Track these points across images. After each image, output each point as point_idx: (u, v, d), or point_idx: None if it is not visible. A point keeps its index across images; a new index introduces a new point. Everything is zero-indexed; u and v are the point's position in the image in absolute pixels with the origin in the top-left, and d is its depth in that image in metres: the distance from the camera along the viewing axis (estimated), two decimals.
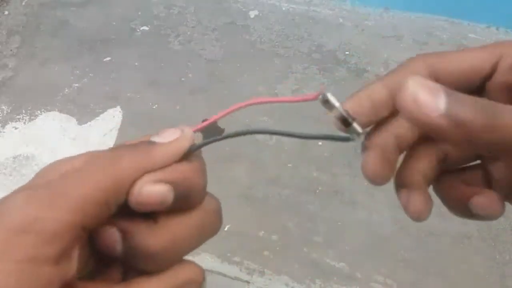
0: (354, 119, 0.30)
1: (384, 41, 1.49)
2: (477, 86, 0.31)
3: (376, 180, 0.31)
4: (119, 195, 0.27)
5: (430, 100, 0.25)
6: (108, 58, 1.59)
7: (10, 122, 1.48)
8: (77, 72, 1.57)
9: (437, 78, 0.30)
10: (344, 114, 0.30)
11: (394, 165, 0.32)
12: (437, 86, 0.26)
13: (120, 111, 1.46)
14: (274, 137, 1.31)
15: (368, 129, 0.31)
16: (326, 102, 0.30)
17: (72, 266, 0.26)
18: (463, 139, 0.26)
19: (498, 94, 0.31)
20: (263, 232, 1.15)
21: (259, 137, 1.33)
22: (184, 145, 0.29)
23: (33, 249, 0.24)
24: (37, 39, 1.69)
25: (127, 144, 0.29)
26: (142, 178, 0.27)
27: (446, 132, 0.26)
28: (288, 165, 1.29)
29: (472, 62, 0.30)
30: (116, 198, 0.27)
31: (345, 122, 0.30)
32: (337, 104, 0.29)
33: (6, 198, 0.25)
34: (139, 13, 1.70)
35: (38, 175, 0.31)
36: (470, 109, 0.26)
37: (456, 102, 0.26)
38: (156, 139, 0.29)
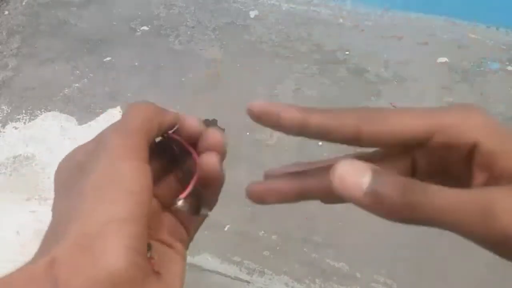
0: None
1: (384, 41, 1.49)
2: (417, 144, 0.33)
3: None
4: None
5: (354, 181, 0.30)
6: (108, 58, 1.59)
7: (10, 122, 1.48)
8: (77, 72, 1.57)
9: (374, 140, 0.33)
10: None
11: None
12: (364, 166, 0.30)
13: (120, 111, 1.46)
14: (275, 137, 1.31)
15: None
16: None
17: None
18: (383, 214, 0.30)
19: (425, 159, 0.34)
20: (263, 232, 1.15)
21: (259, 137, 1.33)
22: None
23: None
24: (37, 39, 1.69)
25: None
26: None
27: (368, 208, 0.30)
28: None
29: (407, 132, 0.32)
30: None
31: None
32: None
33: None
34: (139, 13, 1.70)
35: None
36: (390, 189, 0.29)
37: (378, 182, 0.30)
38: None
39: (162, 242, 0.38)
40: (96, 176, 0.32)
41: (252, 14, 1.62)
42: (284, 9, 1.62)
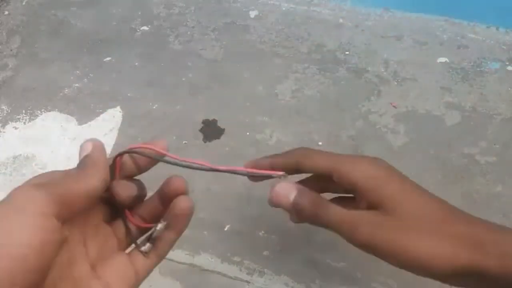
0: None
1: (384, 41, 1.49)
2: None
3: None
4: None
5: (284, 196, 0.54)
6: (108, 58, 1.59)
7: (10, 122, 1.48)
8: (77, 72, 1.57)
9: (300, 165, 0.61)
10: None
11: None
12: (292, 186, 0.56)
13: (120, 111, 1.46)
14: (274, 137, 1.31)
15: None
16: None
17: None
18: (302, 219, 0.56)
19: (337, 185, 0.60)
20: (263, 232, 1.15)
21: (259, 137, 1.33)
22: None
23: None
24: (37, 39, 1.69)
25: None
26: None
27: (292, 214, 0.56)
28: None
29: (318, 167, 0.58)
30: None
31: None
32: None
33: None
34: (139, 13, 1.70)
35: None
36: (306, 203, 0.54)
37: (300, 197, 0.55)
38: (83, 153, 0.47)
39: (103, 282, 0.38)
40: None
41: (252, 14, 1.62)
42: (284, 9, 1.62)
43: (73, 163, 1.39)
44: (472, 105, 1.34)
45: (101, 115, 1.46)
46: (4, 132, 1.46)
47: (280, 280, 1.08)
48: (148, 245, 0.40)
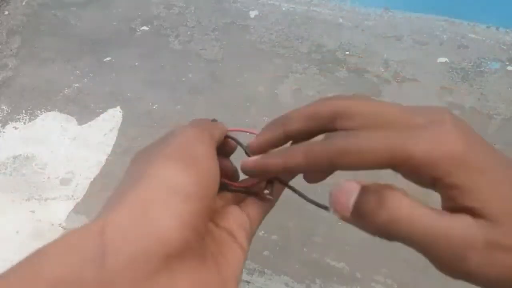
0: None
1: (384, 41, 1.49)
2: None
3: None
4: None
5: (344, 199, 0.33)
6: (108, 58, 1.59)
7: (10, 122, 1.48)
8: (77, 72, 1.57)
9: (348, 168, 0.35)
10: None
11: None
12: (353, 186, 0.33)
13: (120, 111, 1.46)
14: None
15: None
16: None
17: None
18: (373, 232, 0.34)
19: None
20: (263, 232, 1.15)
21: None
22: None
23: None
24: (37, 39, 1.69)
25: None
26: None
27: (358, 224, 0.35)
28: None
29: (373, 163, 0.33)
30: None
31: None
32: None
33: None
34: (139, 13, 1.70)
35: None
36: (372, 207, 0.32)
37: (362, 197, 0.33)
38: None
39: (226, 230, 0.37)
40: (170, 149, 0.32)
41: (252, 14, 1.62)
42: (284, 9, 1.62)
43: (73, 163, 1.40)
44: (472, 105, 1.34)
45: (101, 115, 1.46)
46: (4, 132, 1.46)
47: (280, 280, 1.08)
48: (268, 189, 0.42)
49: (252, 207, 0.43)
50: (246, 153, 0.43)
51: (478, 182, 0.30)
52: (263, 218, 0.45)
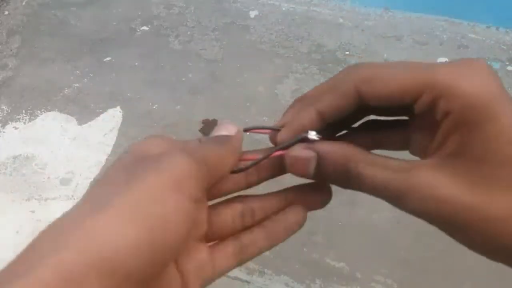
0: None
1: (384, 41, 1.49)
2: (406, 105, 0.32)
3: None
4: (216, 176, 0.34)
5: (303, 159, 0.34)
6: (108, 58, 1.59)
7: (10, 122, 1.48)
8: (77, 72, 1.57)
9: (364, 97, 0.33)
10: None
11: None
12: (310, 147, 0.34)
13: (120, 111, 1.46)
14: None
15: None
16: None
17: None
18: (333, 181, 0.35)
19: (422, 117, 0.32)
20: None
21: (259, 137, 1.33)
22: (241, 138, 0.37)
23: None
24: (37, 39, 1.69)
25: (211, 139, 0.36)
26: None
27: (318, 177, 0.34)
28: None
29: (398, 87, 0.31)
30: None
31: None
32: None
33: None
34: (139, 13, 1.70)
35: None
36: (333, 157, 0.34)
37: (323, 152, 0.34)
38: (224, 131, 0.37)
39: (181, 273, 0.34)
40: (128, 198, 0.28)
41: (252, 14, 1.62)
42: (284, 9, 1.62)
43: (73, 163, 1.40)
44: None
45: (101, 115, 1.47)
46: (4, 132, 1.46)
47: (280, 280, 1.07)
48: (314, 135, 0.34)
49: (223, 259, 0.38)
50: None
51: (503, 126, 0.27)
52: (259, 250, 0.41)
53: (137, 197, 0.28)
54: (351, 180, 0.32)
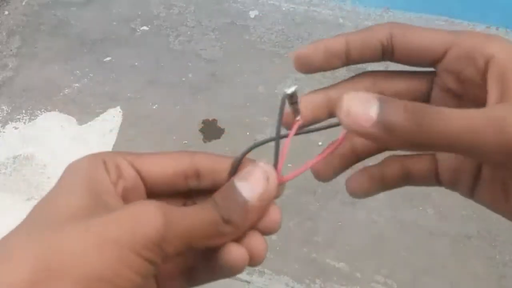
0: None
1: None
2: (430, 64, 0.34)
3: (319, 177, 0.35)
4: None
5: (362, 112, 0.27)
6: (108, 58, 1.59)
7: (10, 122, 1.48)
8: (77, 72, 1.57)
9: (394, 48, 0.34)
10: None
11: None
12: (369, 96, 0.28)
13: (120, 111, 1.46)
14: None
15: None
16: (291, 98, 0.32)
17: None
18: (397, 143, 0.28)
19: (446, 77, 0.33)
20: None
21: (259, 137, 1.33)
22: (271, 198, 0.31)
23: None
24: (37, 39, 1.69)
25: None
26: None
27: (380, 139, 0.27)
28: (288, 165, 1.28)
29: (427, 42, 0.33)
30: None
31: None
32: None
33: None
34: (139, 13, 1.70)
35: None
36: (400, 115, 0.27)
37: (387, 110, 0.27)
38: (243, 187, 0.30)
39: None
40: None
41: (252, 14, 1.62)
42: (284, 9, 1.62)
43: None
44: None
45: (101, 115, 1.47)
46: (4, 132, 1.47)
47: (280, 280, 1.08)
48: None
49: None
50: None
51: None
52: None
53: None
54: (423, 126, 0.28)
